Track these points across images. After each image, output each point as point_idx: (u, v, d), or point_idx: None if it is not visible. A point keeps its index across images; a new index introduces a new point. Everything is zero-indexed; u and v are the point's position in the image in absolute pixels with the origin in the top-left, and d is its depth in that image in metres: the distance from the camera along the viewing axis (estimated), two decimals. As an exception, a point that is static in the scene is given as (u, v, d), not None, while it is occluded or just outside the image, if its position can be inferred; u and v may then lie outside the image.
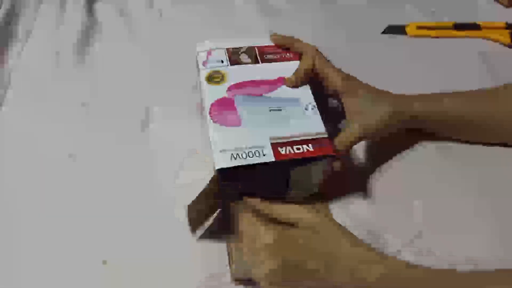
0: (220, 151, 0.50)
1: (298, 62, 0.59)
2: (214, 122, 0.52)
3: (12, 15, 0.69)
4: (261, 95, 0.55)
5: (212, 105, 0.54)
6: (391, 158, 0.60)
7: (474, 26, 0.76)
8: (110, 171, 0.59)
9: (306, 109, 0.54)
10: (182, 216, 0.50)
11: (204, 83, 0.56)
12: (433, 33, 0.76)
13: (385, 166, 0.60)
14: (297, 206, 0.50)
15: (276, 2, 0.81)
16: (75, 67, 0.66)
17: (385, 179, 0.59)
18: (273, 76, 0.57)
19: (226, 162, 0.49)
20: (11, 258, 0.53)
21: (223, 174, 0.49)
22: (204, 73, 0.57)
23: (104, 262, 0.53)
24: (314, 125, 0.53)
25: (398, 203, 0.56)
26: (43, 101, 0.64)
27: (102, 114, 0.63)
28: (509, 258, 0.51)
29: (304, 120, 0.53)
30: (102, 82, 0.65)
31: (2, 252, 0.54)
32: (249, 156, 0.49)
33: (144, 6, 0.71)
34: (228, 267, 0.51)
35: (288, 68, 0.58)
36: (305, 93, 0.56)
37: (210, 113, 0.53)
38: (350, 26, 0.78)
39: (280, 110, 0.54)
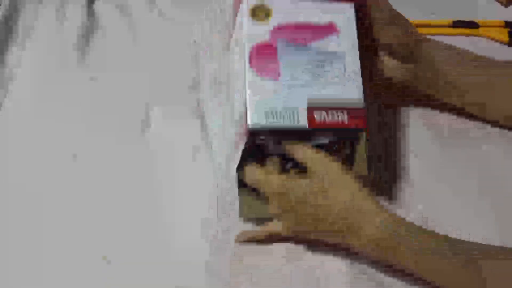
0: (254, 107, 0.48)
1: (352, 5, 0.53)
2: (252, 69, 0.49)
3: (12, 14, 0.69)
4: (306, 44, 0.51)
5: (253, 48, 0.50)
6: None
7: (473, 24, 0.76)
8: (111, 170, 0.59)
9: (348, 69, 0.51)
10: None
11: (246, 18, 0.51)
12: (431, 30, 0.76)
13: (385, 163, 0.60)
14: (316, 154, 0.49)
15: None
16: (75, 67, 0.66)
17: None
18: (324, 19, 0.52)
19: (259, 121, 0.47)
20: (13, 256, 0.54)
21: (253, 131, 0.48)
22: (246, 7, 0.52)
23: (104, 259, 0.53)
24: (354, 90, 0.50)
25: (398, 200, 0.57)
26: (44, 100, 0.64)
27: (103, 114, 0.63)
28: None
29: (344, 82, 0.50)
30: (102, 82, 0.65)
31: (5, 249, 0.54)
32: (283, 119, 0.48)
33: (144, 5, 0.71)
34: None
35: (343, 10, 0.53)
36: (352, 51, 0.52)
37: (250, 57, 0.50)
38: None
39: (323, 66, 0.51)
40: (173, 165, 0.59)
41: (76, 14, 0.69)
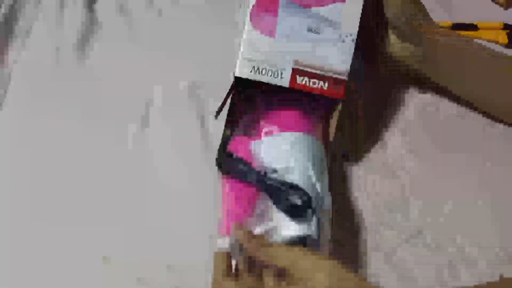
0: (244, 58, 0.52)
1: None
2: (251, 22, 0.52)
3: (12, 13, 0.69)
4: (309, 7, 0.53)
5: (256, 2, 0.52)
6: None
7: (472, 27, 0.76)
8: (110, 169, 0.59)
9: (343, 39, 0.53)
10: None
11: None
12: (430, 33, 0.76)
13: (384, 164, 0.60)
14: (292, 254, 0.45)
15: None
16: (75, 66, 0.66)
17: (384, 176, 0.59)
18: None
19: (246, 72, 0.52)
20: (13, 256, 0.54)
21: (239, 80, 0.52)
22: None
23: (105, 259, 0.53)
24: (342, 60, 0.53)
25: (397, 200, 0.57)
26: (43, 100, 0.64)
27: (102, 113, 0.63)
28: (509, 257, 0.52)
29: (335, 50, 0.53)
30: (101, 81, 0.65)
31: (4, 249, 0.54)
32: (268, 74, 0.52)
33: (144, 5, 0.71)
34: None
35: None
36: (353, 21, 0.53)
37: (251, 11, 0.52)
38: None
39: (319, 32, 0.52)
40: (172, 164, 0.59)
41: (76, 14, 0.70)
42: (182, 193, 0.57)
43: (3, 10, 0.68)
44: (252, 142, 0.53)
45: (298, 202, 0.48)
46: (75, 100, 0.64)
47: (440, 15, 0.79)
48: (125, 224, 0.55)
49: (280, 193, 0.49)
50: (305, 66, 0.52)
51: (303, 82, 0.52)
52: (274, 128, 0.54)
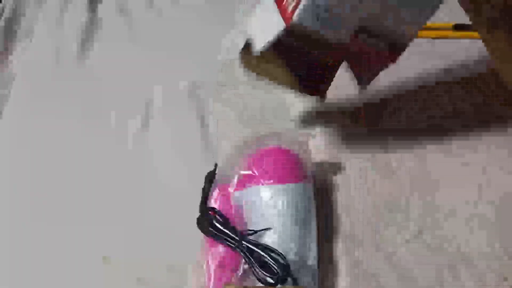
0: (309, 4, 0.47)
1: None
2: None
3: (14, 15, 0.69)
4: None
5: None
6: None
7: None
8: (110, 169, 0.59)
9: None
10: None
11: None
12: (432, 34, 0.76)
13: (384, 164, 0.60)
14: None
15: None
16: (75, 66, 0.67)
17: (384, 176, 0.59)
18: None
19: (307, 18, 0.47)
20: (13, 256, 0.54)
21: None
22: None
23: (105, 259, 0.53)
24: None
25: (397, 200, 0.57)
26: (44, 100, 0.64)
27: (102, 113, 0.63)
28: (509, 257, 0.51)
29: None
30: (102, 81, 0.66)
31: (4, 249, 0.55)
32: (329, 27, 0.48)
33: (144, 5, 0.71)
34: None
35: None
36: None
37: None
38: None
39: None
40: (172, 164, 0.59)
41: (76, 14, 0.70)
42: (182, 193, 0.57)
43: (5, 12, 0.69)
44: (235, 192, 0.54)
45: (275, 267, 0.48)
46: (75, 100, 0.64)
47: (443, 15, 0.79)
48: (125, 224, 0.56)
49: (257, 259, 0.49)
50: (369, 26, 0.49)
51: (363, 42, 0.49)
52: (258, 178, 0.53)
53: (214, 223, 0.51)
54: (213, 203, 0.54)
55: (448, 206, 0.56)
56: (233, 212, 0.53)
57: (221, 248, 0.52)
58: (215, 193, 0.55)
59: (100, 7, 0.71)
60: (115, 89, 0.65)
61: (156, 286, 0.52)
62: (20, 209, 0.57)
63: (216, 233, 0.51)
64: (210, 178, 0.56)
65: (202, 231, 0.52)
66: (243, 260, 0.50)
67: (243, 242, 0.50)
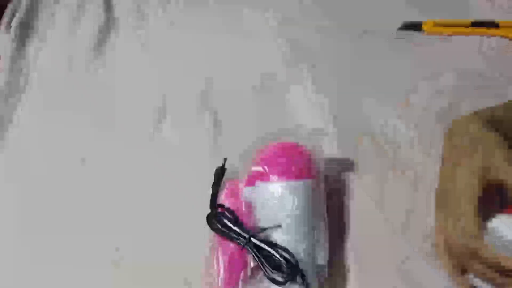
0: None
1: None
2: None
3: (28, 20, 0.70)
4: None
5: None
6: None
7: (492, 24, 0.75)
8: (122, 176, 0.59)
9: None
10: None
11: None
12: (449, 30, 0.75)
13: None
14: None
15: (284, 10, 0.79)
16: (88, 72, 0.67)
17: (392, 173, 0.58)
18: None
19: None
20: (24, 260, 0.55)
21: None
22: None
23: (114, 263, 0.54)
24: None
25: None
26: (56, 107, 0.65)
27: (114, 121, 0.64)
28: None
29: None
30: (114, 89, 0.66)
31: (15, 253, 0.55)
32: None
33: (157, 13, 0.72)
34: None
35: None
36: None
37: None
38: (366, 21, 0.76)
39: None
40: (184, 171, 0.59)
41: (90, 21, 0.70)
42: (193, 200, 0.56)
43: (19, 16, 0.69)
44: (245, 188, 0.53)
45: (284, 265, 0.47)
46: (87, 108, 0.64)
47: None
48: (136, 228, 0.56)
49: (266, 257, 0.48)
50: None
51: None
52: (268, 175, 0.53)
53: (223, 221, 0.51)
54: (223, 199, 0.54)
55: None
56: (243, 208, 0.53)
57: (230, 245, 0.51)
58: (225, 189, 0.54)
59: (115, 13, 0.71)
60: (126, 96, 0.65)
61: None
62: (31, 215, 0.57)
63: (225, 231, 0.50)
64: (220, 174, 0.56)
65: (211, 228, 0.52)
66: (252, 258, 0.49)
67: (252, 239, 0.49)
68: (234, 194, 0.54)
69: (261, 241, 0.49)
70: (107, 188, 0.58)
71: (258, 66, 0.69)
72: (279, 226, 0.50)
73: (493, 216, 0.46)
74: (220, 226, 0.51)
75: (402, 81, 0.66)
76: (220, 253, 0.51)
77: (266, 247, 0.49)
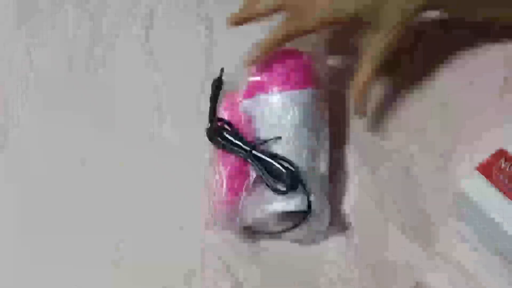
0: None
1: None
2: None
3: (25, 20, 0.70)
4: None
5: None
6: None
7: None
8: (121, 177, 0.59)
9: None
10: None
11: None
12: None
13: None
14: None
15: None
16: (88, 73, 0.66)
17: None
18: None
19: None
20: (20, 259, 0.55)
21: None
22: None
23: (114, 263, 0.54)
24: None
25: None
26: (56, 108, 0.64)
27: (114, 122, 0.62)
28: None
29: None
30: (114, 89, 0.65)
31: (14, 252, 0.56)
32: None
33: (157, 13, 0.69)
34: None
35: None
36: None
37: None
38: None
39: None
40: (183, 172, 0.58)
41: (90, 21, 0.69)
42: (193, 200, 0.55)
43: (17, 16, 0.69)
44: (244, 101, 0.52)
45: (285, 175, 0.47)
46: (87, 108, 0.64)
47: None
48: (136, 228, 0.56)
49: (267, 168, 0.48)
50: None
51: None
52: (267, 85, 0.51)
53: (223, 133, 0.51)
54: (222, 112, 0.53)
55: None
56: (242, 121, 0.52)
57: (231, 157, 0.51)
58: (223, 102, 0.54)
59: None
60: (125, 95, 0.64)
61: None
62: (31, 215, 0.58)
63: (225, 144, 0.50)
64: (217, 85, 0.55)
65: (211, 142, 0.52)
66: (254, 169, 0.50)
67: (253, 151, 0.49)
68: (233, 106, 0.53)
69: (262, 152, 0.49)
70: (107, 188, 0.58)
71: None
72: (279, 138, 0.50)
73: None
74: (220, 139, 0.51)
75: None
76: (221, 165, 0.52)
77: (267, 158, 0.49)
